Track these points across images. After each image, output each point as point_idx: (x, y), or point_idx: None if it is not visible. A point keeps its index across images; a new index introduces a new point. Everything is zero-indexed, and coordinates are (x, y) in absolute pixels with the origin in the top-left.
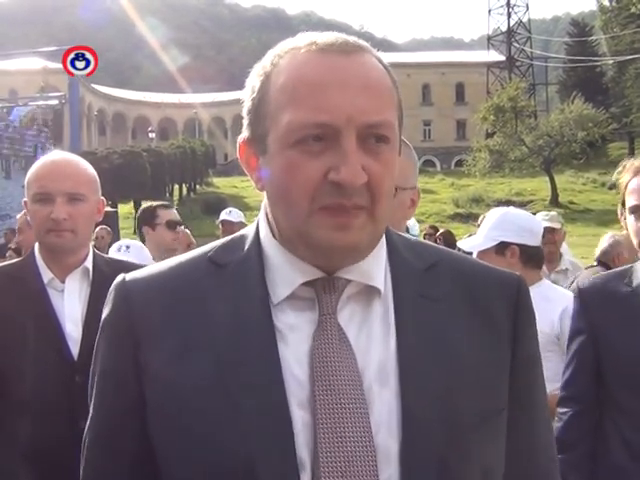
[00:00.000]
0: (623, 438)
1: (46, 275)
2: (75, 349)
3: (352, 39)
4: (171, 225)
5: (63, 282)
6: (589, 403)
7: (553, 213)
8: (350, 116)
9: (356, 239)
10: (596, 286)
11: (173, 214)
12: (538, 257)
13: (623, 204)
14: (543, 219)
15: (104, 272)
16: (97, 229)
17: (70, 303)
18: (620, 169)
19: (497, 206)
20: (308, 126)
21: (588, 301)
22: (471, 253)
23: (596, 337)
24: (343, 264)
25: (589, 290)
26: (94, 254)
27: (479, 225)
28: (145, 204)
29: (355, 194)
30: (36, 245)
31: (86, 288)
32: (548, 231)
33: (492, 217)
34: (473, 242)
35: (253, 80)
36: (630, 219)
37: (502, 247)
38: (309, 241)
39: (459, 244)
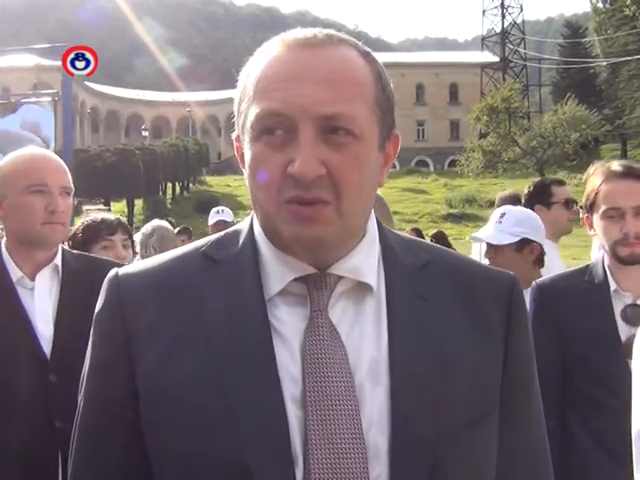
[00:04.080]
0: (588, 427)
1: (15, 273)
2: (48, 348)
3: (325, 32)
4: (569, 203)
5: (32, 280)
6: (554, 394)
7: None
8: (304, 107)
9: (321, 233)
10: (557, 283)
11: (569, 191)
12: (544, 257)
13: (590, 208)
14: None
15: (73, 268)
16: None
17: (41, 302)
18: (589, 172)
19: (490, 207)
20: (265, 117)
21: (549, 297)
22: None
23: (558, 330)
24: (319, 258)
25: (550, 287)
26: (62, 250)
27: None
28: (538, 179)
29: (314, 187)
30: (2, 242)
31: (56, 285)
32: None
33: (514, 214)
34: (492, 235)
35: (239, 79)
36: (602, 223)
37: (523, 244)
38: (279, 234)
39: (476, 234)
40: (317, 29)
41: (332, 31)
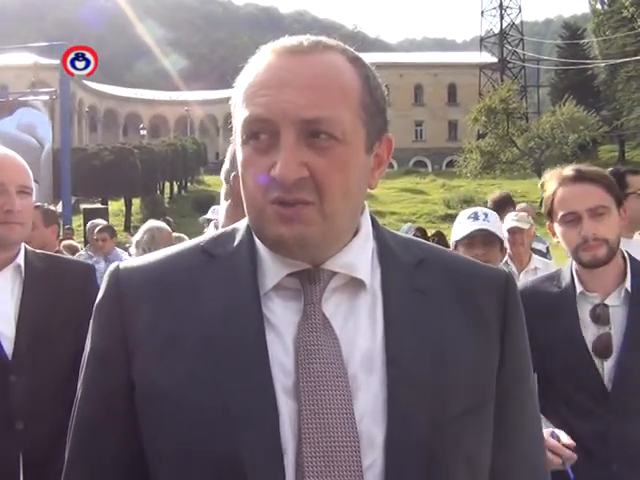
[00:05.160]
0: (566, 428)
1: None
2: (9, 348)
3: (313, 39)
4: None
5: None
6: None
7: (522, 213)
8: (285, 112)
9: (303, 233)
10: (528, 288)
11: None
12: None
13: (549, 215)
14: (512, 219)
15: (37, 268)
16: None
17: (2, 302)
18: (544, 179)
19: (487, 207)
20: (251, 122)
21: (523, 302)
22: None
23: (532, 334)
24: (305, 257)
25: (522, 292)
26: (26, 250)
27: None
28: (612, 169)
29: (295, 189)
30: None
31: (19, 285)
32: (516, 231)
33: (495, 216)
34: (498, 229)
35: (235, 86)
36: (561, 229)
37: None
38: (264, 234)
39: (484, 227)
40: (305, 36)
41: (321, 37)
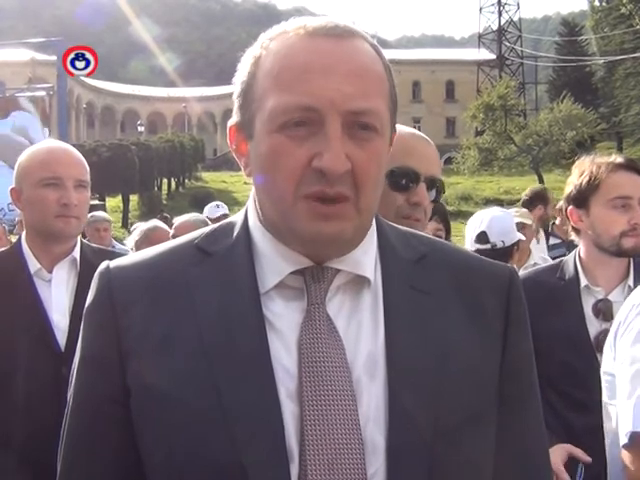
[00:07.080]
0: (560, 420)
1: (33, 265)
2: (63, 340)
3: (343, 23)
4: None
5: (50, 272)
6: None
7: (523, 210)
8: (333, 101)
9: (340, 229)
10: (530, 279)
11: None
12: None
13: (584, 200)
14: (514, 215)
15: (92, 262)
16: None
17: (58, 294)
18: (581, 163)
19: (486, 204)
20: (291, 110)
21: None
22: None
23: (532, 326)
24: (330, 254)
25: (523, 282)
26: (81, 244)
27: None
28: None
29: (338, 182)
30: (23, 234)
31: (74, 278)
32: (519, 227)
33: None
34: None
35: (244, 64)
36: (606, 213)
37: None
38: (294, 230)
39: None
40: (333, 19)
41: (345, 22)
